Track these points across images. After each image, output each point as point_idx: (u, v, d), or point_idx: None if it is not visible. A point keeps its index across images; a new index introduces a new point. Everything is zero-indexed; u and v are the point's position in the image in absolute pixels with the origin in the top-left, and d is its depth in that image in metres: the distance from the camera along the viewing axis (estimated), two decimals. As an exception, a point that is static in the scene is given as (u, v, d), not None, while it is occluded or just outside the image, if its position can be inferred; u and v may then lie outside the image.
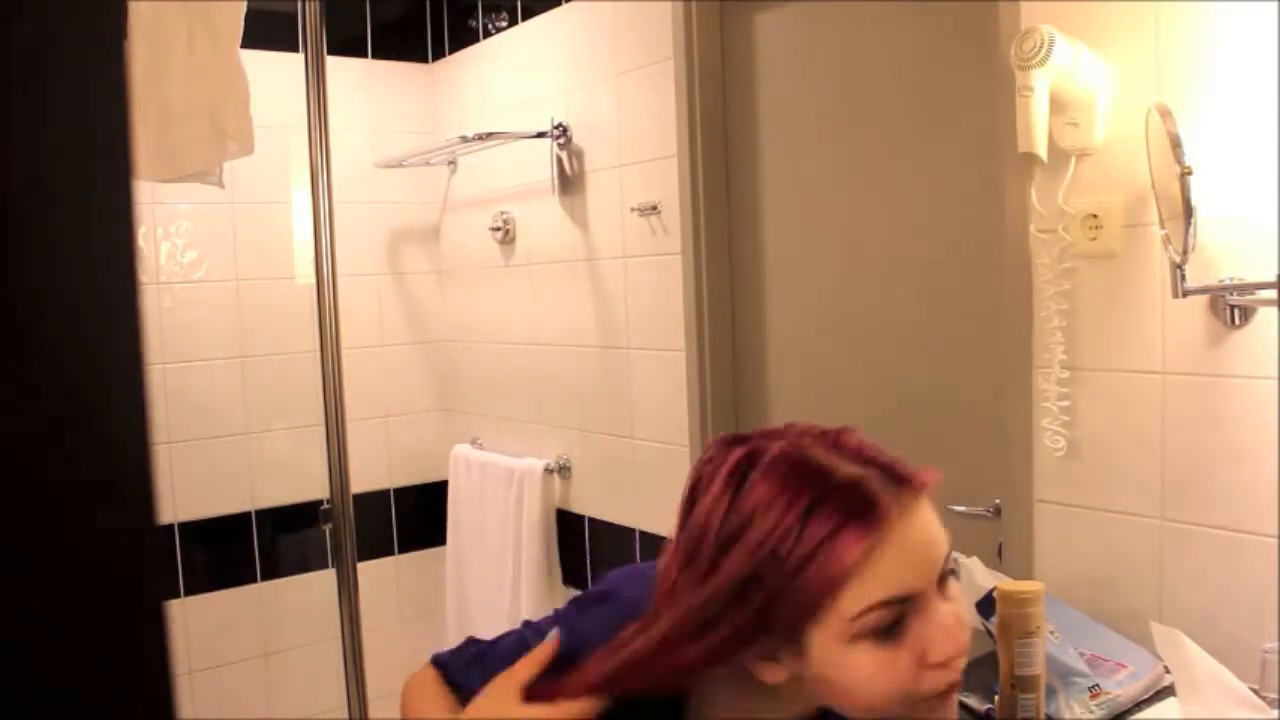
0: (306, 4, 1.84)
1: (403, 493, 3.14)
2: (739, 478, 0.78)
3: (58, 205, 0.33)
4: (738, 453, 0.80)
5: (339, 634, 1.96)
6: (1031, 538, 1.63)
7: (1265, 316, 1.33)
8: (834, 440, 0.82)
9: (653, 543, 2.33)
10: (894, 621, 0.75)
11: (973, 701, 1.38)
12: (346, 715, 2.02)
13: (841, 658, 0.75)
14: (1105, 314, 1.51)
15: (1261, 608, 1.33)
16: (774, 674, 0.79)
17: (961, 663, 0.78)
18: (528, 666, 0.88)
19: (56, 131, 0.33)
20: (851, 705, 0.78)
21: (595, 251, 2.51)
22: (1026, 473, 1.62)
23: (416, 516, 3.16)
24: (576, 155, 2.55)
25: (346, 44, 2.97)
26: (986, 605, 1.38)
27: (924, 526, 0.77)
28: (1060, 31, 1.40)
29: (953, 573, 0.81)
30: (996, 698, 1.30)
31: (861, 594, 0.74)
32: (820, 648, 0.75)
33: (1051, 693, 1.30)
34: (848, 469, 0.77)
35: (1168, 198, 1.33)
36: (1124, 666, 1.36)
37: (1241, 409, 1.36)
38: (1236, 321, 1.36)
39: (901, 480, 0.78)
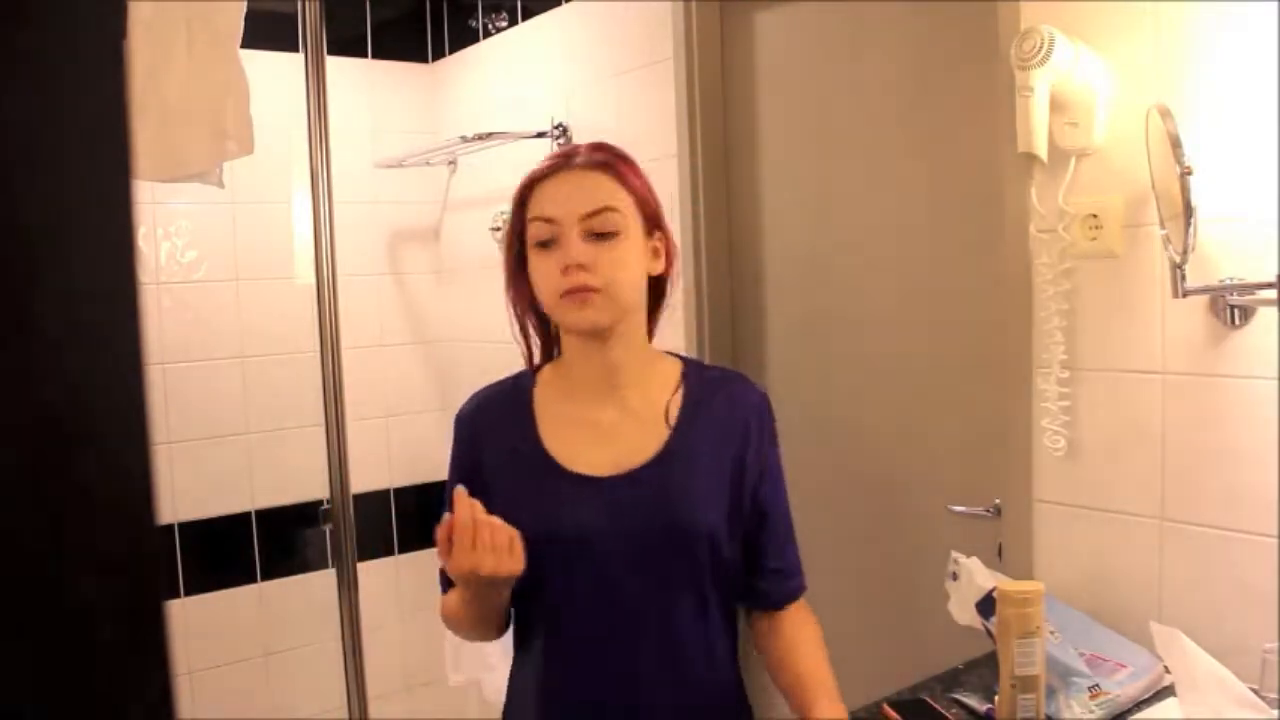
0: (306, 4, 1.84)
1: (403, 493, 3.14)
2: None
3: (58, 205, 0.33)
4: None
5: (339, 634, 1.96)
6: (1031, 538, 1.63)
7: (1265, 316, 1.33)
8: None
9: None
10: (548, 238, 1.17)
11: (973, 701, 1.38)
12: (346, 715, 2.02)
13: (532, 262, 1.20)
14: (1105, 314, 1.51)
15: (1261, 608, 1.33)
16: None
17: (584, 277, 1.15)
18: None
19: (56, 131, 0.33)
20: (543, 303, 1.22)
21: (595, 251, 2.51)
22: (1026, 473, 1.62)
23: (416, 516, 3.16)
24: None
25: (346, 44, 2.97)
26: (986, 605, 1.38)
27: (573, 184, 1.18)
28: (1060, 31, 1.40)
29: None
30: (996, 698, 1.30)
31: (532, 213, 1.19)
32: (529, 260, 1.21)
33: (1051, 693, 1.30)
34: (566, 149, 1.23)
35: (1168, 198, 1.33)
36: (1124, 666, 1.36)
37: (1241, 409, 1.36)
38: (1236, 321, 1.36)
39: (590, 154, 1.20)
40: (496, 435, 1.27)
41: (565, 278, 1.15)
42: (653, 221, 1.25)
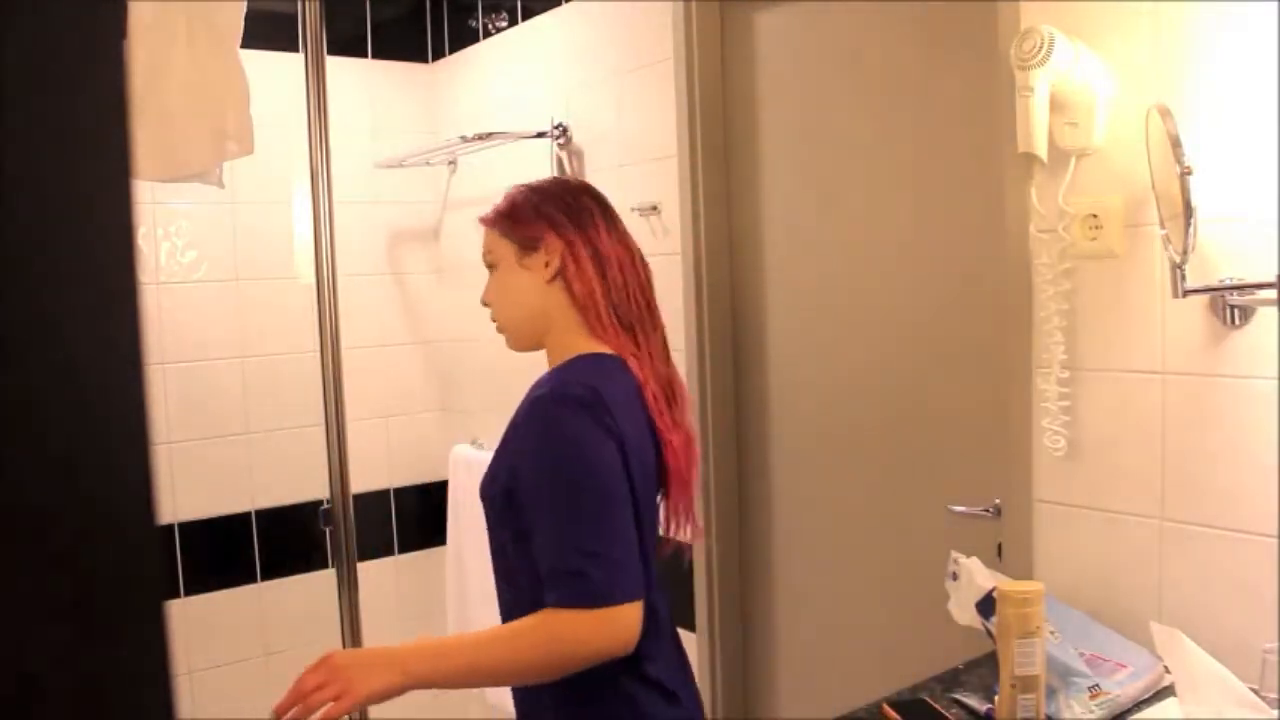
0: (306, 4, 1.83)
1: (403, 493, 3.14)
2: None
3: (58, 205, 0.33)
4: None
5: (339, 634, 1.96)
6: (1031, 538, 1.63)
7: (1265, 316, 1.33)
8: None
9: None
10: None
11: (973, 701, 1.38)
12: (346, 716, 2.02)
13: None
14: (1105, 314, 1.51)
15: (1261, 608, 1.33)
16: None
17: (490, 313, 1.45)
18: None
19: (56, 132, 0.33)
20: None
21: (595, 251, 2.51)
22: (1026, 473, 1.62)
23: (416, 516, 3.16)
24: (576, 155, 2.55)
25: (346, 44, 2.97)
26: (986, 605, 1.38)
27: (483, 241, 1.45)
28: (1060, 31, 1.40)
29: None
30: (996, 698, 1.30)
31: None
32: None
33: (1051, 693, 1.30)
34: None
35: (1168, 198, 1.33)
36: (1124, 666, 1.36)
37: (1241, 409, 1.36)
38: (1236, 321, 1.36)
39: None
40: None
41: None
42: (526, 242, 1.38)
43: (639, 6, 2.32)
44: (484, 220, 1.45)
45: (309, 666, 1.20)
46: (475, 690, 2.88)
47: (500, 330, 1.45)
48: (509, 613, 1.36)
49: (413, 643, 1.23)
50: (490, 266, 1.44)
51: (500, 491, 1.32)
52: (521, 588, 1.31)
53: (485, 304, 1.46)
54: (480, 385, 3.03)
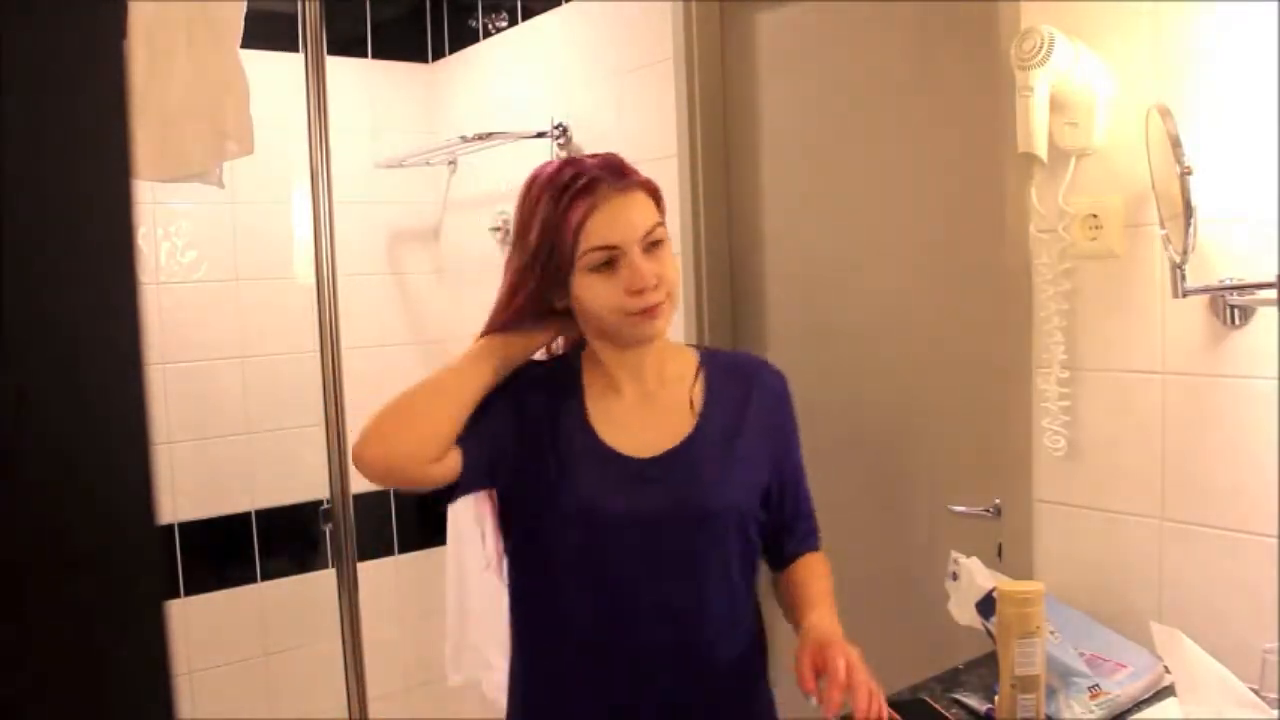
0: (306, 4, 1.83)
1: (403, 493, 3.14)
2: (527, 192, 1.26)
3: (57, 205, 0.33)
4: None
5: (339, 634, 1.96)
6: (1031, 538, 1.63)
7: (1265, 316, 1.33)
8: (581, 159, 1.26)
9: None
10: (604, 262, 1.20)
11: (973, 701, 1.38)
12: (346, 715, 2.02)
13: (581, 285, 1.21)
14: (1105, 314, 1.51)
15: (1261, 608, 1.33)
16: (561, 302, 1.26)
17: (654, 296, 1.20)
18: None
19: (56, 131, 0.33)
20: (593, 318, 1.25)
21: (595, 251, 2.51)
22: (1026, 473, 1.62)
23: (416, 516, 3.16)
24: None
25: (346, 44, 2.97)
26: (986, 605, 1.38)
27: (623, 208, 1.20)
28: (1060, 31, 1.40)
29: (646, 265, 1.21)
30: (996, 698, 1.30)
31: (590, 243, 1.19)
32: (575, 284, 1.22)
33: (1051, 693, 1.30)
34: (580, 168, 1.22)
35: (1168, 198, 1.33)
36: (1124, 666, 1.36)
37: (1241, 409, 1.36)
38: (1236, 321, 1.36)
39: (619, 175, 1.22)
40: (540, 403, 1.30)
41: (637, 298, 1.20)
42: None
43: (639, 6, 2.32)
44: (645, 188, 1.24)
45: (825, 659, 1.14)
46: (474, 690, 2.88)
47: (665, 313, 1.24)
48: (732, 630, 1.31)
49: (818, 611, 1.27)
50: (657, 238, 1.23)
51: (753, 494, 1.31)
52: (741, 595, 1.32)
53: (654, 285, 1.21)
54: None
